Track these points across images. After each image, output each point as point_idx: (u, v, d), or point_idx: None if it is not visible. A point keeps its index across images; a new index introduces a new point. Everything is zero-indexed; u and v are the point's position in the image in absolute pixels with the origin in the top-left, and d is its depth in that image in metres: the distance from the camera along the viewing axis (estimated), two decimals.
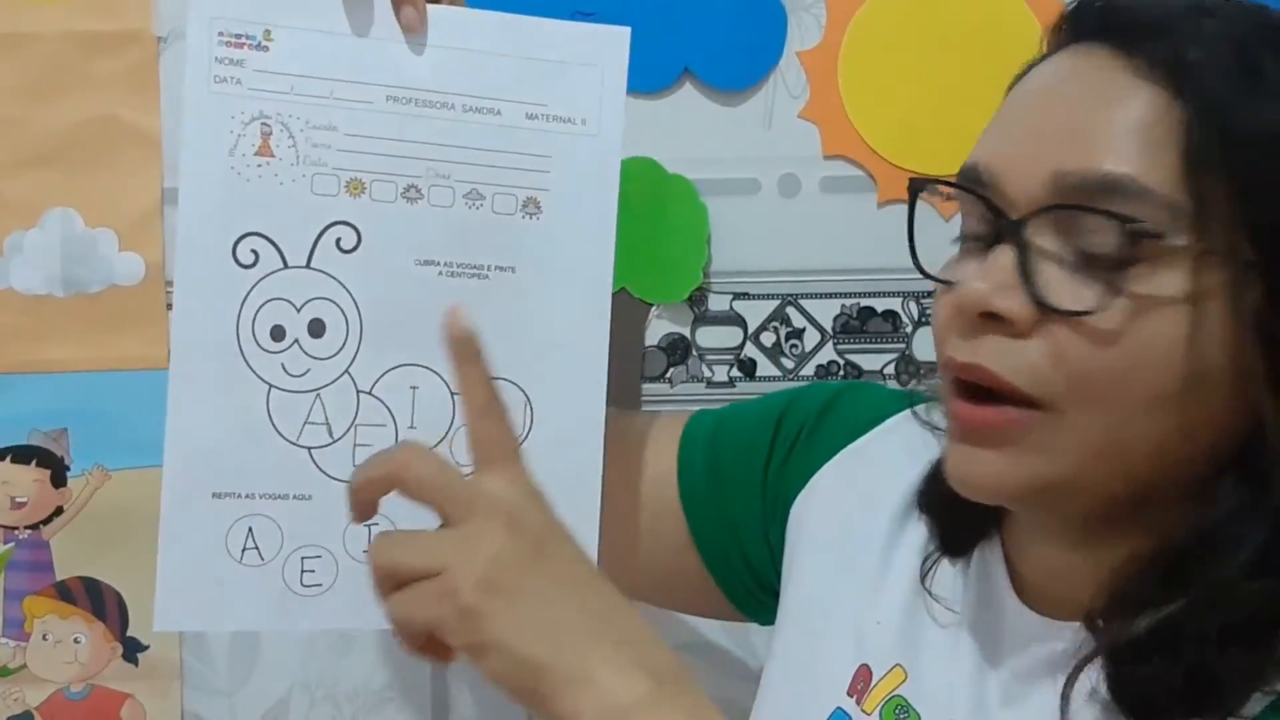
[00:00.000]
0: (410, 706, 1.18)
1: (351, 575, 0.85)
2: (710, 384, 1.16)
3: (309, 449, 0.86)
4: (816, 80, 1.14)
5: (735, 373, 1.17)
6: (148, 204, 1.12)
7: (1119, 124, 0.68)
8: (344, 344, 0.85)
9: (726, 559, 0.94)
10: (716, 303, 1.16)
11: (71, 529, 1.14)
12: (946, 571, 0.82)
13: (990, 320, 0.70)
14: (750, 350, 1.16)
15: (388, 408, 0.86)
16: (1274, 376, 0.66)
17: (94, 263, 1.12)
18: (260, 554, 0.85)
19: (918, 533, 0.84)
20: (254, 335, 0.84)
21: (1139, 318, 0.67)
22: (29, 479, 1.14)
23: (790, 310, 1.16)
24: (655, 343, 1.16)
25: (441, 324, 0.71)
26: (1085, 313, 0.67)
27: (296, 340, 0.85)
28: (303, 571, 0.85)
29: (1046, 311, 0.68)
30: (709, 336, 1.16)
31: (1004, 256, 0.70)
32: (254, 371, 0.84)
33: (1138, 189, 0.67)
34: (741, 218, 1.14)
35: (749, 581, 0.94)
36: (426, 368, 0.86)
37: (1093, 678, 0.70)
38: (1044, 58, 0.75)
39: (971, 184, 0.73)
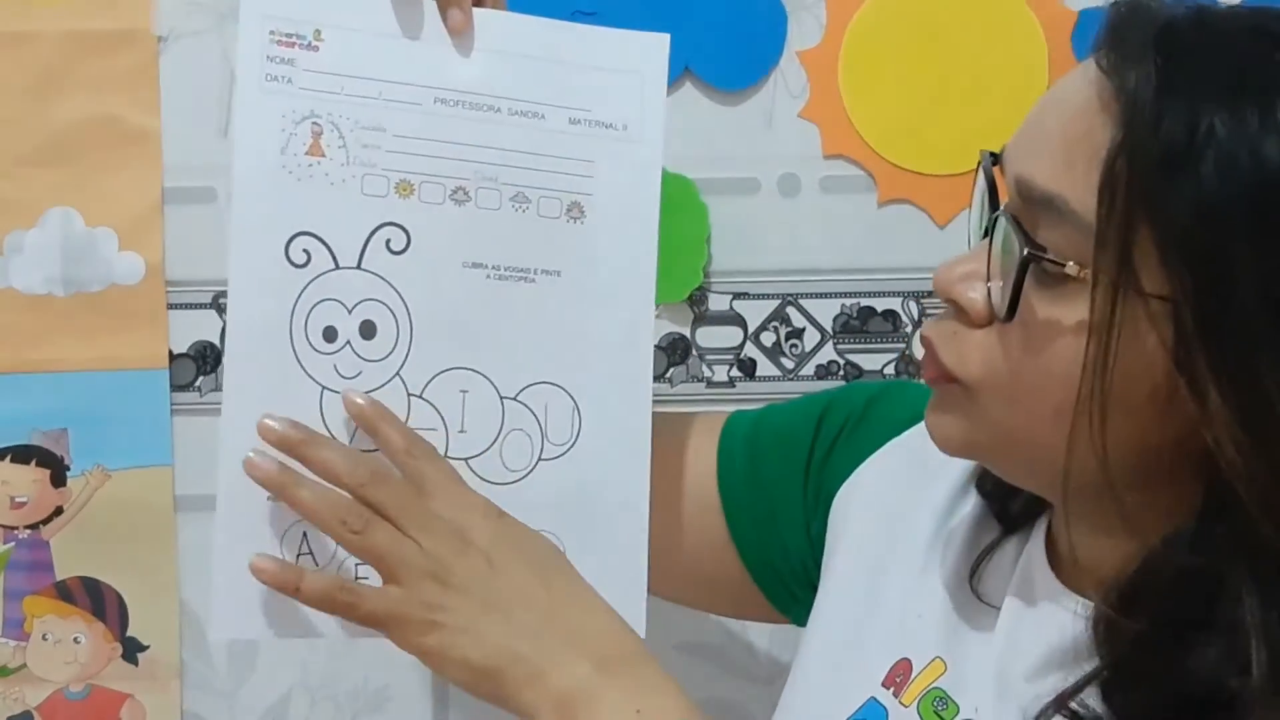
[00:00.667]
0: (410, 706, 1.18)
1: None
2: (710, 384, 1.16)
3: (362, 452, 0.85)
4: (817, 80, 1.14)
5: (735, 372, 1.17)
6: (148, 203, 1.12)
7: (1070, 141, 0.69)
8: (395, 346, 0.85)
9: (766, 558, 0.94)
10: (716, 302, 1.16)
11: (71, 529, 1.14)
12: (991, 569, 0.82)
13: (956, 307, 0.74)
14: (750, 350, 1.16)
15: (438, 411, 0.85)
16: (1206, 415, 0.65)
17: (94, 262, 1.12)
18: (315, 559, 0.83)
19: (963, 526, 0.84)
20: (307, 336, 0.84)
21: (1040, 331, 0.69)
22: (29, 479, 1.14)
23: (790, 310, 1.16)
24: (655, 342, 1.15)
25: (345, 405, 0.82)
26: (1002, 320, 0.70)
27: (349, 342, 0.84)
28: (355, 578, 0.83)
29: (992, 309, 0.72)
30: (709, 336, 1.16)
31: (984, 247, 0.73)
32: (307, 373, 0.84)
33: (1065, 210, 0.68)
34: (741, 217, 1.15)
35: (789, 579, 0.94)
36: (476, 371, 0.86)
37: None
38: None
39: (990, 167, 0.75)
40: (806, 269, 1.16)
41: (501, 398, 0.86)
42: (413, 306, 0.85)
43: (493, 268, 0.86)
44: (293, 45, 0.83)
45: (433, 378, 0.85)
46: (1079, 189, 0.67)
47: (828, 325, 1.16)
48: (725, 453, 0.95)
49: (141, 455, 1.14)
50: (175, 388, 1.14)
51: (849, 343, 1.17)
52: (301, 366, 0.83)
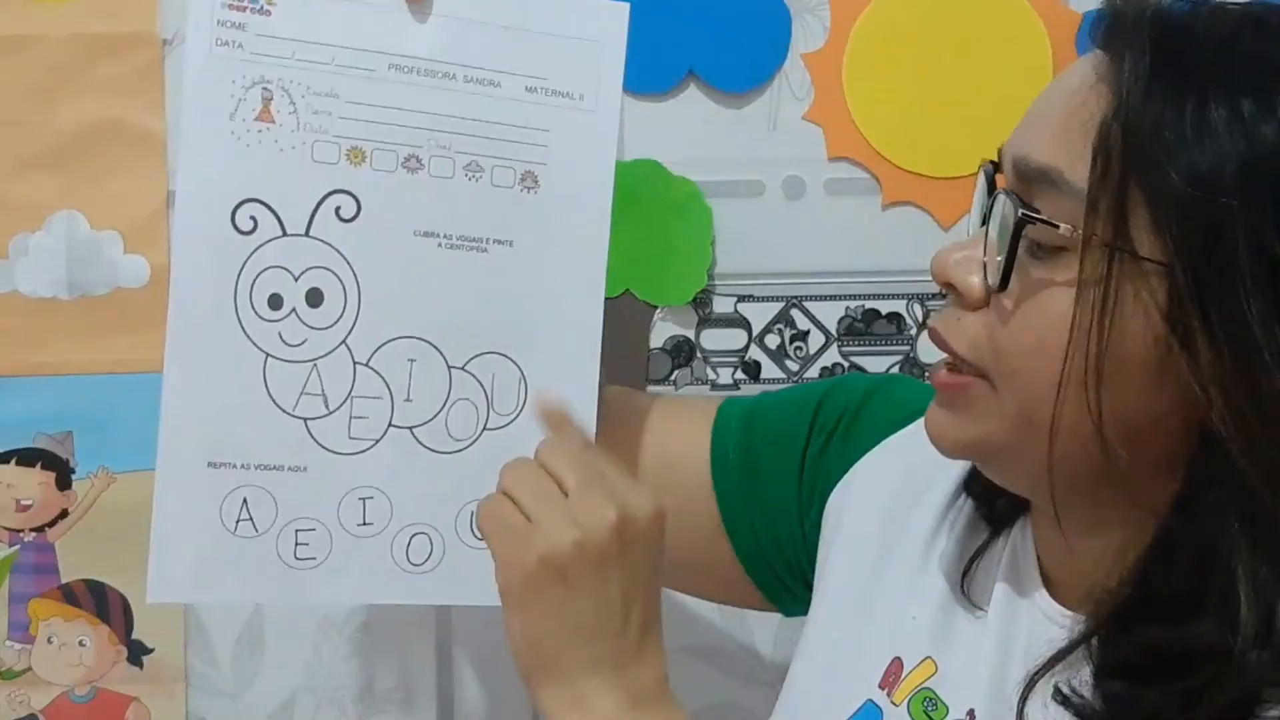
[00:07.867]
0: (416, 709, 1.18)
1: (344, 549, 0.85)
2: (715, 386, 1.16)
3: (305, 420, 0.85)
4: (821, 82, 1.14)
5: (740, 375, 1.17)
6: (153, 206, 1.12)
7: (1066, 117, 0.70)
8: (342, 314, 0.85)
9: (758, 547, 0.94)
10: (721, 305, 1.16)
11: (77, 532, 1.14)
12: (981, 573, 0.82)
13: (953, 290, 0.75)
14: (754, 352, 1.17)
15: (384, 380, 0.86)
16: (1198, 371, 0.67)
17: (99, 265, 1.12)
18: (254, 525, 0.85)
19: (958, 527, 0.84)
20: (251, 303, 0.84)
21: (1034, 299, 0.70)
22: (34, 482, 1.14)
23: (795, 312, 1.16)
24: (660, 345, 1.16)
25: (537, 410, 0.83)
26: (995, 291, 0.71)
27: (294, 309, 0.84)
28: (296, 544, 0.85)
29: (988, 288, 0.73)
30: (713, 339, 1.16)
31: (981, 233, 0.75)
32: (251, 340, 0.84)
33: (1060, 180, 0.69)
34: (746, 220, 1.15)
35: (780, 570, 0.94)
36: (424, 340, 0.86)
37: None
38: None
39: (990, 170, 0.77)
40: (811, 271, 1.16)
41: (449, 367, 0.86)
42: (361, 275, 0.85)
43: (444, 236, 0.86)
44: (244, 9, 0.83)
45: (380, 346, 0.85)
46: (1074, 159, 0.69)
47: (832, 328, 1.16)
48: (719, 440, 0.95)
49: (147, 458, 1.11)
50: None
51: (853, 345, 1.17)
52: (245, 333, 0.83)
